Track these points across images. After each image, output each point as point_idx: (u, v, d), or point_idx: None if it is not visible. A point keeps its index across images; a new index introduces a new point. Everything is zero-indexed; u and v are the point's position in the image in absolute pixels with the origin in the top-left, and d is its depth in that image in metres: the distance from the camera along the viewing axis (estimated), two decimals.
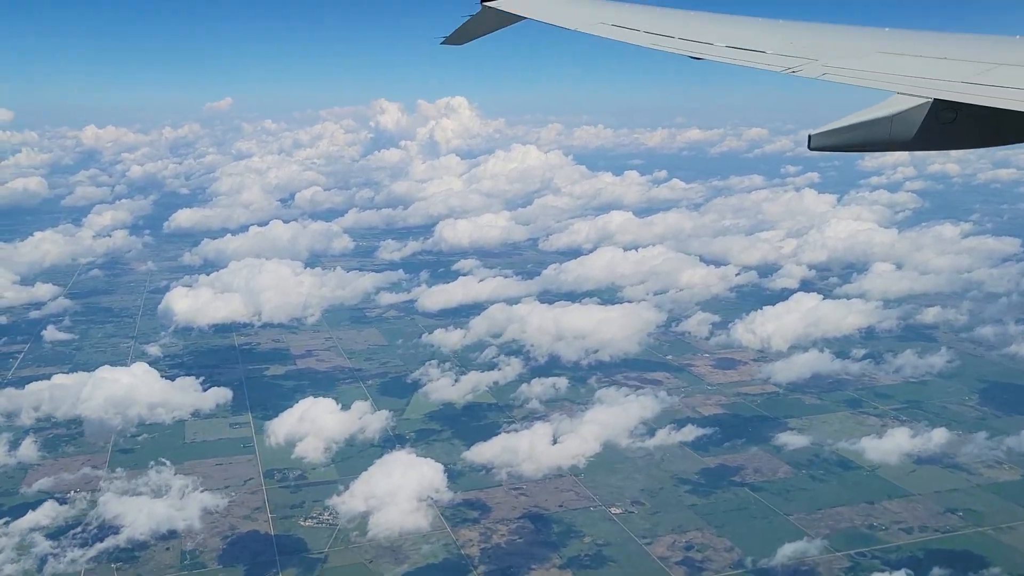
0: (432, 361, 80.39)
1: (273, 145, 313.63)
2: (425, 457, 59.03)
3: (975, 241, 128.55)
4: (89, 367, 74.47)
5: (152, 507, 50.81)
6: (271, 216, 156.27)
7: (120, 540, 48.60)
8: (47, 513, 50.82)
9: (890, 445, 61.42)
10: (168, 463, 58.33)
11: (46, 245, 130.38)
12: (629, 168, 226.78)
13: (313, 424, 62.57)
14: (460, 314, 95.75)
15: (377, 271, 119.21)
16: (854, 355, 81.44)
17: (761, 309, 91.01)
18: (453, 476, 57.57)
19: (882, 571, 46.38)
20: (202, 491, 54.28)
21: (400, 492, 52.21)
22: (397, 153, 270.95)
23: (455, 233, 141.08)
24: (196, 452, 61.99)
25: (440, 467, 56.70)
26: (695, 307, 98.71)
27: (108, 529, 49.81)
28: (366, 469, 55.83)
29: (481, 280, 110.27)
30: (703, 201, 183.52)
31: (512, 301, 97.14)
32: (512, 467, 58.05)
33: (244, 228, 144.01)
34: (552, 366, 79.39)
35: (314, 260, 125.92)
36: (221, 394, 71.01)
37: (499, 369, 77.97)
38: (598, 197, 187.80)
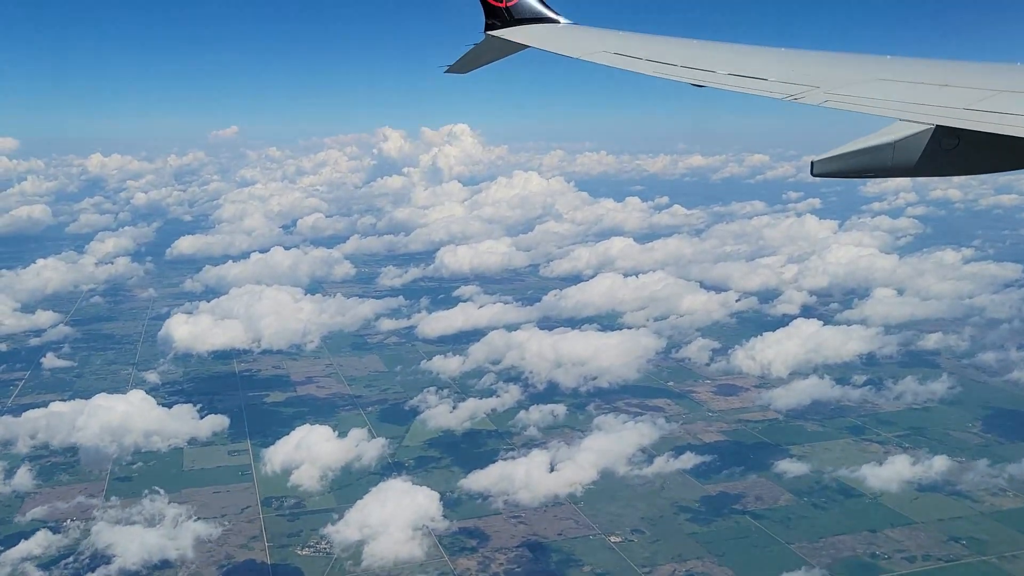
0: (431, 388, 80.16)
1: (277, 172, 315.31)
2: (424, 484, 58.75)
3: (977, 267, 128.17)
4: (89, 394, 74.26)
5: (145, 536, 50.41)
6: (273, 243, 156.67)
7: (111, 570, 48.18)
8: (40, 542, 50.50)
9: (892, 472, 60.97)
10: (162, 492, 57.97)
11: (48, 272, 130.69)
12: (631, 194, 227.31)
13: (309, 452, 62.31)
14: (460, 340, 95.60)
15: (378, 297, 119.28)
16: (855, 381, 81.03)
17: (761, 335, 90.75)
18: (451, 504, 57.18)
19: None
20: (196, 520, 53.86)
21: (395, 521, 51.78)
22: (400, 180, 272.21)
23: (456, 259, 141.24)
24: (194, 480, 61.65)
25: (436, 495, 56.26)
26: (695, 333, 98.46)
27: (100, 559, 49.45)
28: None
29: (481, 306, 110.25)
30: (704, 227, 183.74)
31: (512, 327, 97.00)
32: (511, 495, 57.65)
33: (246, 255, 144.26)
34: (551, 393, 79.07)
35: (315, 286, 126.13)
36: (218, 422, 70.81)
37: (497, 396, 77.75)
38: (599, 223, 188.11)
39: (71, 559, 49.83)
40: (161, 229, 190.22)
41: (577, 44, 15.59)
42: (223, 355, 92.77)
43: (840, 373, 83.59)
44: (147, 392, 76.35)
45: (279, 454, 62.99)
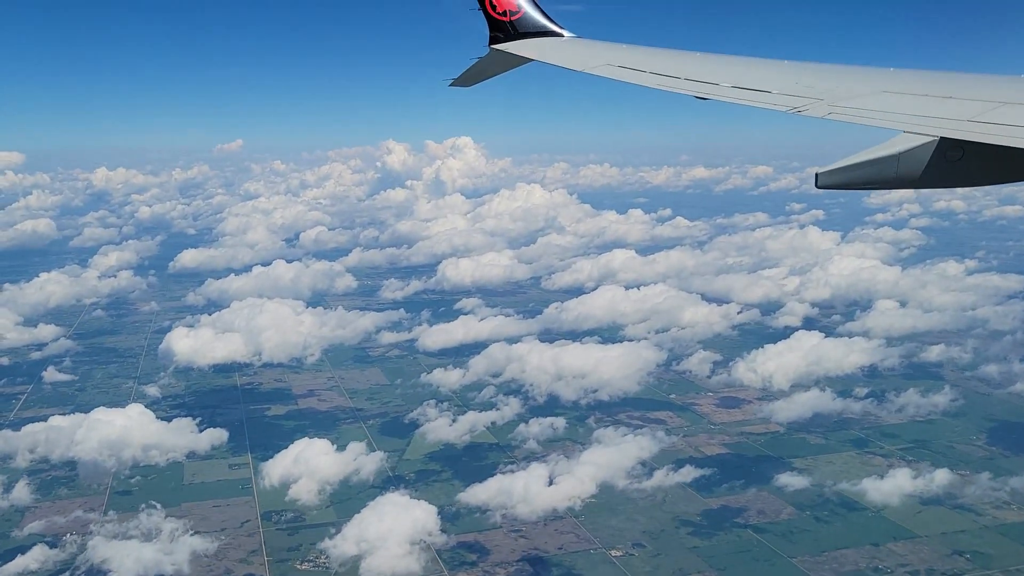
0: (431, 401, 79.98)
1: (281, 185, 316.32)
2: (425, 498, 58.62)
3: (980, 278, 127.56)
4: (90, 408, 73.99)
5: (141, 551, 50.16)
6: (276, 256, 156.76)
7: None
8: (36, 557, 50.27)
9: (895, 486, 60.52)
10: (159, 506, 57.74)
11: (51, 286, 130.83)
12: (634, 206, 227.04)
13: (307, 465, 62.06)
14: (461, 353, 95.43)
15: (379, 310, 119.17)
16: (857, 394, 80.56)
17: (763, 347, 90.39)
18: (451, 518, 56.90)
19: None
20: (193, 534, 53.64)
21: (392, 535, 51.49)
22: (403, 193, 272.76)
23: (458, 272, 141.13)
24: (195, 494, 61.50)
25: (434, 509, 55.94)
26: (696, 345, 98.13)
27: (96, 574, 49.16)
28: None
29: (482, 319, 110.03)
30: (707, 239, 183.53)
31: (512, 340, 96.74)
32: (511, 509, 57.33)
33: (248, 268, 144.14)
34: (552, 406, 78.77)
35: (317, 299, 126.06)
36: (217, 435, 70.62)
37: (498, 409, 77.45)
38: (602, 235, 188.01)
39: (67, 574, 49.59)
40: (165, 243, 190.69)
41: (580, 57, 15.70)
42: (224, 368, 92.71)
43: (842, 385, 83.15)
44: (148, 406, 76.34)
45: (278, 468, 62.81)
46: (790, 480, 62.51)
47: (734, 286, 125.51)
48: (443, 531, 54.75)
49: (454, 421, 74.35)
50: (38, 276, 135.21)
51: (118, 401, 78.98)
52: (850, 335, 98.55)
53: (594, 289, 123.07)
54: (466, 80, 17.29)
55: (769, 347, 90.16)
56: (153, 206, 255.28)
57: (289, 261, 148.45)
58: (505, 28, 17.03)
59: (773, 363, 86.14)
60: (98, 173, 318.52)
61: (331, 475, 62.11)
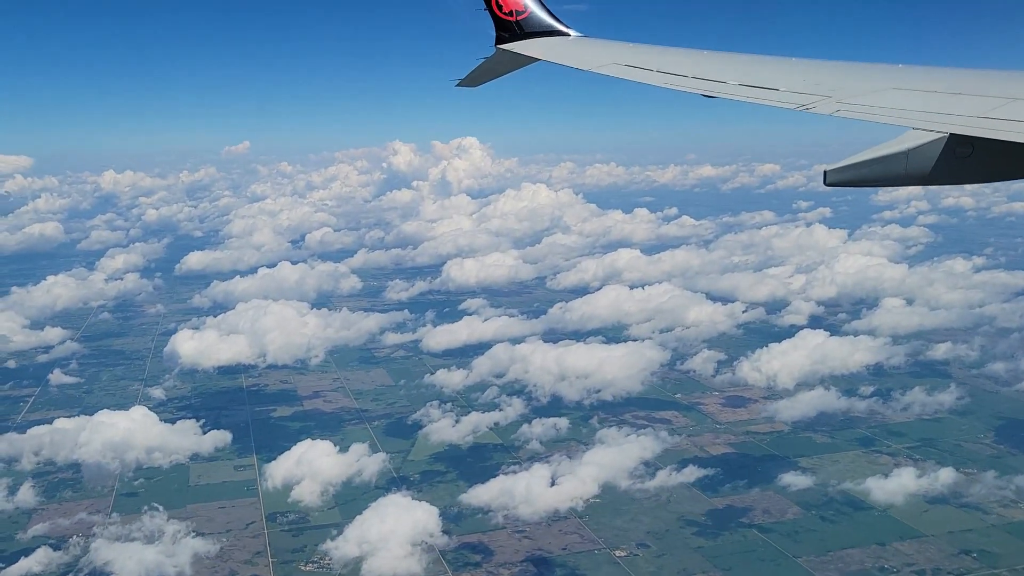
0: (434, 402, 79.94)
1: (287, 187, 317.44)
2: (430, 499, 58.54)
3: (988, 275, 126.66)
4: (97, 411, 74.04)
5: (143, 553, 50.20)
6: (281, 257, 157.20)
7: None
8: (40, 560, 50.40)
9: (901, 485, 60.08)
10: (161, 508, 57.82)
11: (58, 289, 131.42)
12: (640, 205, 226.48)
13: (310, 467, 62.10)
14: (465, 354, 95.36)
15: (383, 311, 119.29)
16: (862, 392, 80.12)
17: (767, 346, 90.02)
18: (455, 519, 56.84)
19: None
20: (195, 536, 53.74)
21: (394, 536, 51.44)
22: (409, 193, 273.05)
23: (462, 272, 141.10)
24: (200, 495, 61.63)
25: (435, 511, 55.84)
26: (701, 345, 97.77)
27: None
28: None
29: (486, 320, 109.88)
30: (713, 238, 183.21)
31: (516, 340, 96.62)
32: (515, 509, 57.21)
33: (254, 270, 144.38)
34: (555, 406, 78.59)
35: (322, 301, 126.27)
36: (220, 437, 70.74)
37: (500, 410, 77.33)
38: (607, 235, 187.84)
39: None
40: (171, 245, 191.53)
41: (587, 56, 15.71)
42: (229, 370, 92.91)
43: (847, 384, 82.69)
44: (154, 408, 76.66)
45: (279, 469, 62.89)
46: (795, 479, 62.19)
47: (739, 285, 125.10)
48: (447, 532, 54.67)
49: (457, 422, 74.29)
50: (45, 279, 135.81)
51: (124, 403, 79.14)
52: (856, 333, 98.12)
53: (598, 289, 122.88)
54: (473, 80, 17.35)
55: (774, 346, 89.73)
56: (160, 209, 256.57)
57: (294, 263, 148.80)
58: (511, 28, 17.07)
59: (778, 362, 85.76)
60: (106, 176, 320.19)
61: (334, 476, 62.14)
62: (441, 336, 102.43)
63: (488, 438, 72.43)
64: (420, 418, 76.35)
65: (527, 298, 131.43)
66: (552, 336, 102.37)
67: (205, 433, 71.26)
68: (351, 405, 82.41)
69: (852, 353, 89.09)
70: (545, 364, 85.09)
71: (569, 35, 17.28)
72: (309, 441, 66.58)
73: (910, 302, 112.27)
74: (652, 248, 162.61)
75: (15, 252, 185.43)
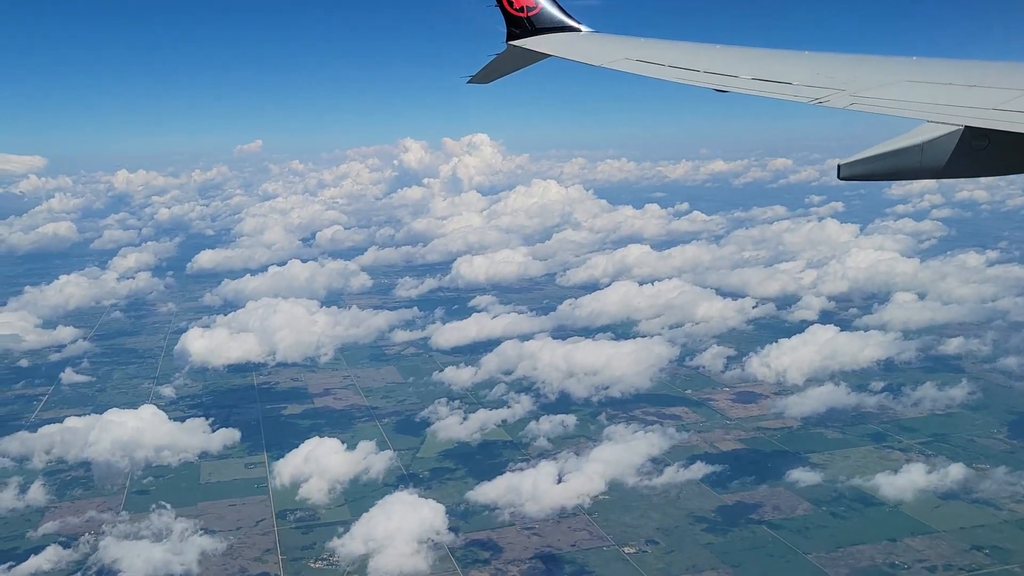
0: (442, 399, 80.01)
1: (299, 185, 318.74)
2: (439, 495, 58.57)
3: (1001, 269, 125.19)
4: (109, 409, 74.49)
5: (150, 552, 50.49)
6: (292, 255, 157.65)
7: None
8: (49, 558, 50.70)
9: (912, 480, 59.55)
10: (168, 506, 58.15)
11: (70, 288, 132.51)
12: (651, 201, 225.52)
13: (319, 464, 62.24)
14: (474, 351, 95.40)
15: (393, 309, 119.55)
16: (872, 388, 79.48)
17: (777, 342, 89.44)
18: (464, 515, 56.85)
19: None
20: (203, 534, 53.96)
21: (400, 534, 51.44)
22: (419, 191, 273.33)
23: (472, 269, 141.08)
24: (211, 493, 61.95)
25: (442, 508, 55.84)
26: (711, 340, 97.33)
27: (107, 574, 49.60)
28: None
29: (495, 316, 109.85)
30: (724, 233, 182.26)
31: (525, 337, 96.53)
32: (523, 506, 57.08)
33: (264, 268, 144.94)
34: (564, 403, 78.45)
35: (332, 298, 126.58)
36: (229, 435, 71.00)
37: (509, 407, 77.24)
38: (618, 231, 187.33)
39: (79, 575, 50.02)
40: (183, 244, 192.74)
41: (599, 52, 15.67)
42: (240, 368, 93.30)
43: (858, 379, 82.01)
44: (165, 406, 77.07)
45: (288, 467, 63.11)
46: (805, 475, 61.77)
47: (750, 280, 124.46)
48: (455, 529, 54.65)
49: (465, 419, 74.26)
50: (58, 278, 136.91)
51: (136, 402, 79.56)
52: (866, 328, 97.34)
53: (608, 285, 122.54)
54: (484, 77, 17.30)
55: (784, 342, 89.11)
56: (172, 208, 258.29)
57: (305, 261, 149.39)
58: (522, 24, 17.00)
59: (788, 358, 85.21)
60: (119, 175, 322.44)
61: (342, 474, 62.26)
62: (450, 333, 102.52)
63: (496, 435, 72.43)
64: (429, 415, 76.43)
65: (537, 295, 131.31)
66: (561, 332, 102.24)
67: (215, 431, 71.58)
68: (361, 402, 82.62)
69: (863, 348, 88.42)
70: (554, 361, 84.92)
71: (580, 31, 17.22)
72: (317, 439, 66.78)
73: (922, 297, 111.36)
74: (663, 244, 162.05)
75: (29, 252, 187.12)
